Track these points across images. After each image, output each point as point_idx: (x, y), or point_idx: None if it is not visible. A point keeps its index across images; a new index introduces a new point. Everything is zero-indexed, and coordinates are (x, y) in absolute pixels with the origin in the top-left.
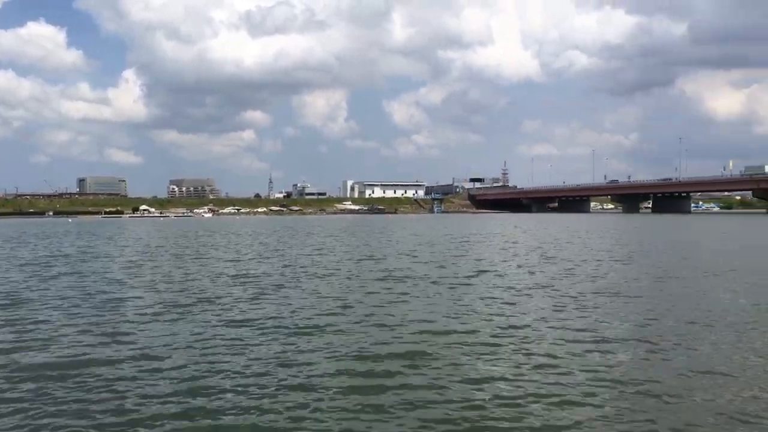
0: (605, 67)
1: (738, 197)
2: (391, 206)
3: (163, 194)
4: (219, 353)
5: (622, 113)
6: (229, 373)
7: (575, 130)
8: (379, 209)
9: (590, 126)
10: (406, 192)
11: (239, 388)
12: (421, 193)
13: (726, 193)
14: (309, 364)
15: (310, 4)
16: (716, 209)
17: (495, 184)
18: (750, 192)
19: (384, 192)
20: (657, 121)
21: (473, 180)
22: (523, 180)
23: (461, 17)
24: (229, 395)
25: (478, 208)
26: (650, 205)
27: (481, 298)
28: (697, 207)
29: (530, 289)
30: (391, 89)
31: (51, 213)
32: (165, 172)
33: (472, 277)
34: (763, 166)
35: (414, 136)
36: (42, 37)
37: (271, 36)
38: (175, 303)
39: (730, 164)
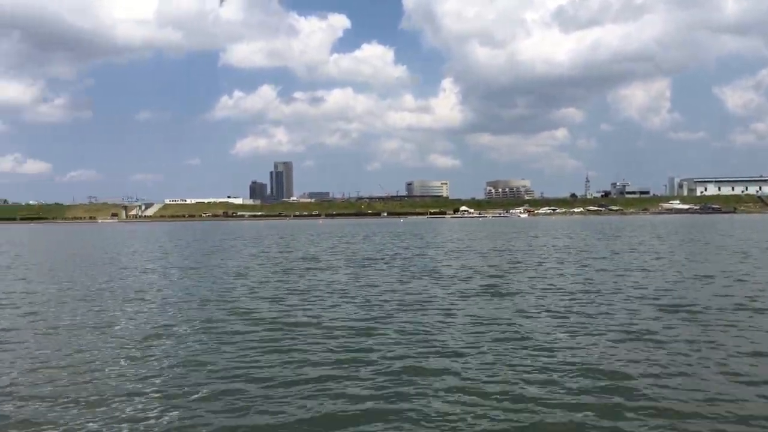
0: None
1: None
2: (728, 205)
3: (480, 196)
4: None
5: None
6: None
7: None
8: (713, 208)
9: None
10: (747, 189)
11: None
12: (766, 189)
13: None
14: None
15: None
16: None
17: None
18: None
19: (719, 189)
20: None
21: None
22: None
23: None
24: None
25: None
26: None
27: None
28: None
29: None
30: (723, 73)
31: (385, 214)
32: (481, 174)
33: None
34: None
35: (754, 125)
36: (374, 56)
37: (584, 29)
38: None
39: None
